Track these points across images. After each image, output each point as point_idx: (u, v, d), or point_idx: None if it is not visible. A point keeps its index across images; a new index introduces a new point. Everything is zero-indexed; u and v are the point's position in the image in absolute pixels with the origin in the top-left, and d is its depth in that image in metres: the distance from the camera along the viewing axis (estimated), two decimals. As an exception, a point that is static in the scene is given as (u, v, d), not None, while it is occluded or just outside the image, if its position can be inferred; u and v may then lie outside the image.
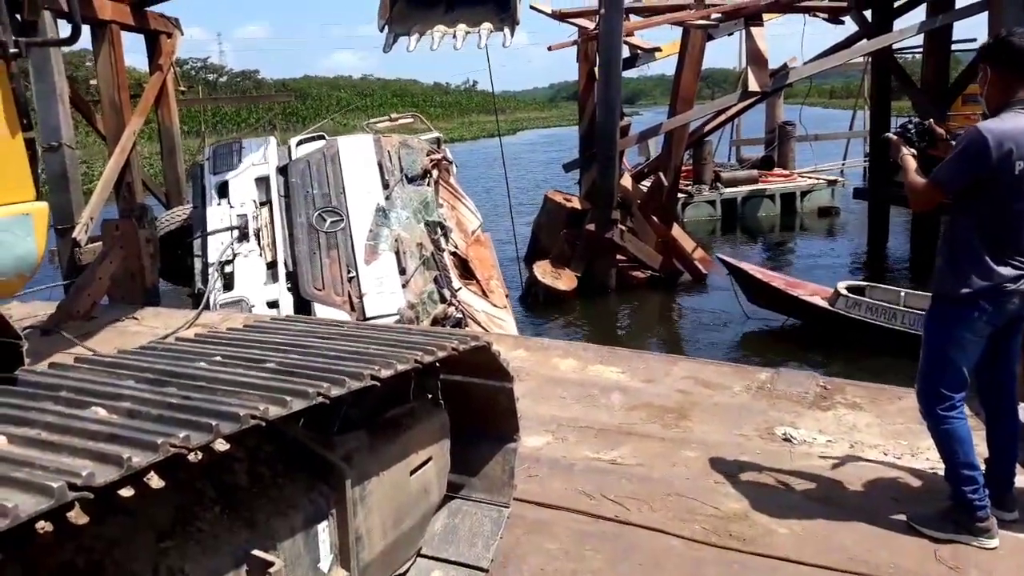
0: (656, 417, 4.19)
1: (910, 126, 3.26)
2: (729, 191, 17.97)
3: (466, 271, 8.80)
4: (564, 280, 11.60)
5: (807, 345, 8.85)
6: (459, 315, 7.67)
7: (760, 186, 18.44)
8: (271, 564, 1.98)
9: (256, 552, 2.00)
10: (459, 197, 10.55)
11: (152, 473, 1.63)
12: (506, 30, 6.31)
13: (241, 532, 2.04)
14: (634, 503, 3.28)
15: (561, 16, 13.16)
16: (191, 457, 1.72)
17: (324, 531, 2.27)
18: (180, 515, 1.97)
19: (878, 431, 4.02)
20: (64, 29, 2.10)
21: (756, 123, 22.31)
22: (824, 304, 8.58)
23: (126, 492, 1.58)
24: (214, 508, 2.08)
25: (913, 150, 3.18)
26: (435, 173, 9.40)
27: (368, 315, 7.30)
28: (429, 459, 2.73)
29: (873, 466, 3.63)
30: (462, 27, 6.37)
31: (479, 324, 7.77)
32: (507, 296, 9.15)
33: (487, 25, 6.37)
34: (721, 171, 18.73)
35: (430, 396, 2.84)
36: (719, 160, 20.39)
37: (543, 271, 11.67)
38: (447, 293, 7.78)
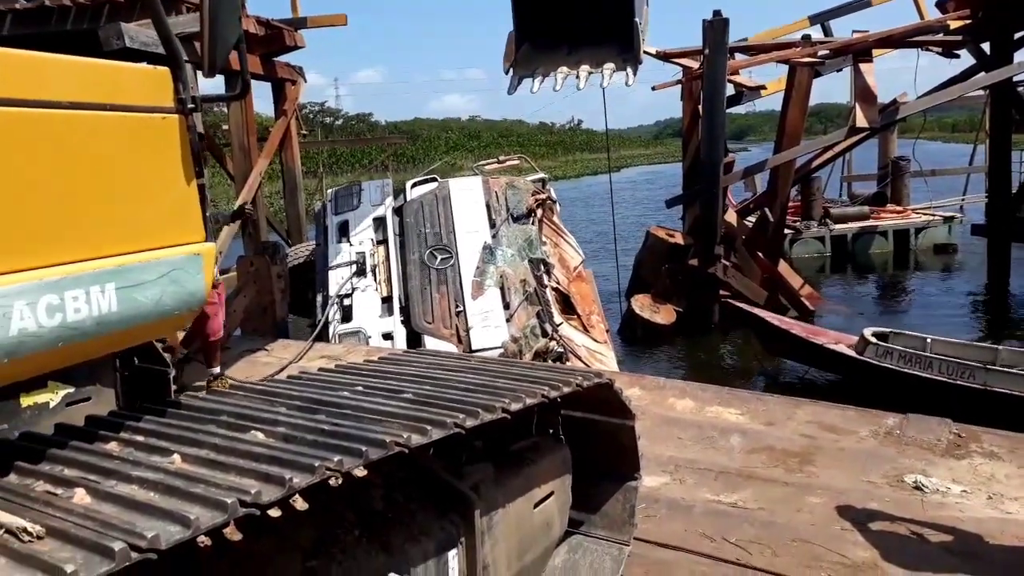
0: (778, 461, 4.08)
1: None
2: (839, 227, 17.39)
3: (568, 306, 8.90)
4: (663, 314, 11.48)
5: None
6: (560, 349, 7.76)
7: (872, 223, 17.76)
8: (407, 587, 2.04)
9: (392, 575, 2.07)
10: (562, 234, 10.69)
11: (297, 496, 1.73)
12: (628, 69, 6.38)
13: (378, 556, 2.12)
14: (757, 548, 3.19)
15: (665, 56, 13.18)
16: (332, 482, 1.82)
17: (454, 559, 2.33)
18: (323, 537, 2.07)
19: (1019, 482, 3.78)
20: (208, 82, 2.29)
21: (869, 159, 21.56)
22: (851, 353, 7.93)
23: (275, 512, 1.69)
24: (353, 531, 2.17)
25: None
26: (539, 212, 9.60)
27: (474, 348, 7.50)
28: (551, 493, 2.75)
29: (1015, 519, 3.41)
30: (585, 68, 6.47)
31: (579, 359, 7.83)
32: (607, 331, 9.18)
33: (610, 65, 6.45)
34: (831, 207, 18.17)
35: (552, 431, 2.88)
36: (830, 196, 19.79)
37: (641, 305, 11.60)
38: (548, 328, 7.91)
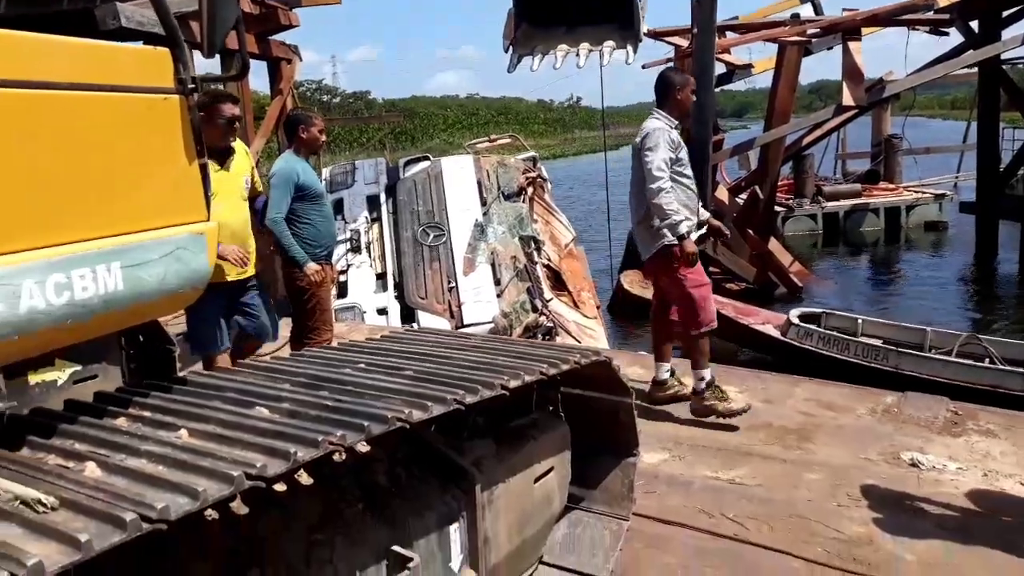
0: (777, 438, 4.12)
1: None
2: (831, 205, 17.48)
3: (559, 283, 9.04)
4: (651, 290, 11.56)
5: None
6: (550, 324, 7.88)
7: (863, 200, 17.85)
8: (409, 560, 2.07)
9: (396, 548, 2.10)
10: (553, 212, 10.76)
11: (302, 471, 1.75)
12: (629, 47, 6.34)
13: (382, 529, 2.15)
14: (754, 523, 3.24)
15: (656, 35, 13.17)
16: (336, 456, 1.84)
17: (455, 532, 2.36)
18: (328, 511, 2.10)
19: (1014, 459, 3.83)
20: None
21: (865, 136, 21.58)
22: (775, 333, 7.87)
23: (280, 487, 1.71)
24: (357, 506, 2.20)
25: None
26: (530, 190, 9.70)
27: (465, 322, 7.65)
28: (551, 469, 2.78)
29: (1009, 496, 3.46)
30: (585, 46, 6.42)
31: (569, 334, 7.97)
32: (598, 308, 9.28)
33: (610, 43, 6.40)
34: (823, 185, 18.24)
35: (551, 408, 2.91)
36: (825, 174, 19.88)
37: (631, 280, 11.72)
38: (539, 303, 8.04)
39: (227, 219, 4.04)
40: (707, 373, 4.27)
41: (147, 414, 1.94)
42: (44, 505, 1.45)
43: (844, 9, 12.99)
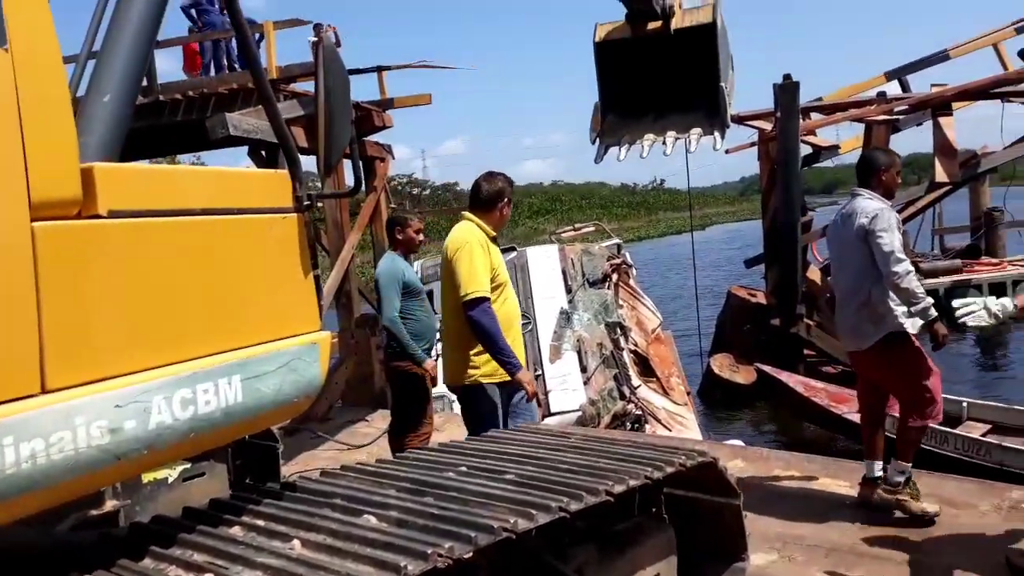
0: (894, 537, 3.87)
1: None
2: (930, 282, 16.68)
3: (647, 369, 8.92)
4: (742, 374, 11.26)
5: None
6: (638, 412, 7.73)
7: (964, 276, 17.05)
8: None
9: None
10: (638, 297, 10.75)
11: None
12: (716, 134, 6.35)
13: (487, 641, 2.11)
14: (876, 634, 3.02)
15: (739, 119, 13.22)
16: (440, 564, 1.83)
17: (561, 645, 2.29)
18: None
19: None
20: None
21: (963, 209, 20.82)
22: None
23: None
24: (465, 615, 2.16)
25: None
26: (615, 277, 9.71)
27: (552, 411, 7.58)
28: (657, 575, 2.69)
29: None
30: (671, 134, 6.47)
31: (659, 422, 7.79)
32: (688, 393, 9.09)
33: (697, 130, 6.43)
34: (920, 262, 17.55)
35: (654, 510, 2.82)
36: (921, 250, 19.19)
37: (720, 365, 11.43)
38: (626, 390, 7.92)
39: (515, 310, 4.12)
40: (908, 467, 4.14)
41: (261, 523, 1.99)
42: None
43: (932, 85, 12.80)
